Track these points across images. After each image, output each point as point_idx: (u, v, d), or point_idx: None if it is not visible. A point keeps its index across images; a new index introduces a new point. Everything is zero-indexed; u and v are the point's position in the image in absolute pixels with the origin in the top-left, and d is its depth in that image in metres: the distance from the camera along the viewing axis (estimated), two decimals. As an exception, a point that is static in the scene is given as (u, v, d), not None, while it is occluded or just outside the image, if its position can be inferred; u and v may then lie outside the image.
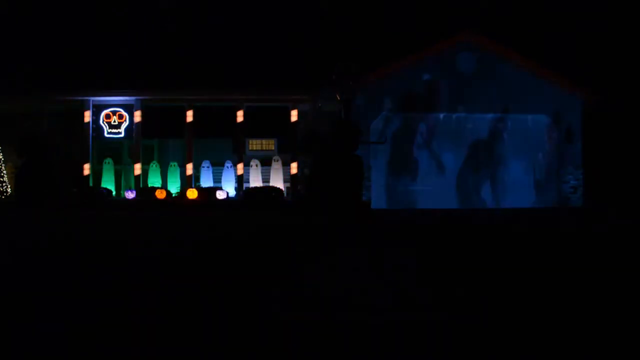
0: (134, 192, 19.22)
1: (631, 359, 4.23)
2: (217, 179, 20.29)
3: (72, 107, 19.83)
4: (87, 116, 19.74)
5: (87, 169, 19.70)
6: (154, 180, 20.03)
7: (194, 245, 9.91)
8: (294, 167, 19.91)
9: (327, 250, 9.26)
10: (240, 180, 19.89)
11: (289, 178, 20.11)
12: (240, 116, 19.87)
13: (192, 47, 21.49)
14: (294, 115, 19.98)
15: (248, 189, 19.29)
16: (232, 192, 19.85)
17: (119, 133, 19.95)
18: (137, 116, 19.85)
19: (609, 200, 18.51)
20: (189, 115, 19.88)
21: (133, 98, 19.80)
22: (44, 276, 7.15)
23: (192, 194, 18.98)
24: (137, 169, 19.93)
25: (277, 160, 20.22)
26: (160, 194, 18.99)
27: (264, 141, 21.42)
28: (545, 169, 19.38)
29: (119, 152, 21.00)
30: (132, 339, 4.58)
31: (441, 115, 19.20)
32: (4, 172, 19.41)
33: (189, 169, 19.82)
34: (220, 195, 19.01)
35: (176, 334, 4.68)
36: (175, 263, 8.11)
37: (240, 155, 20.00)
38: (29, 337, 4.61)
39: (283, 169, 20.13)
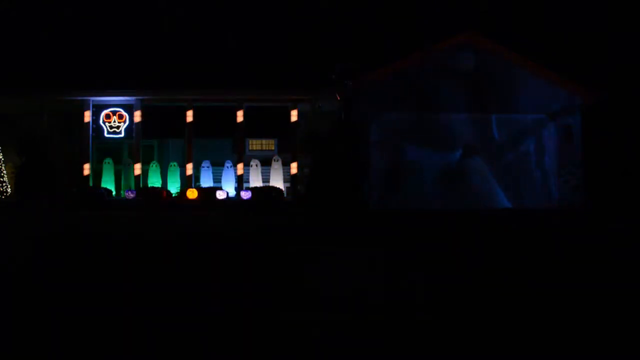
0: (134, 192, 19.20)
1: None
2: (217, 179, 20.28)
3: (72, 107, 19.81)
4: (87, 116, 19.72)
5: (87, 169, 19.68)
6: (154, 180, 20.01)
7: (193, 246, 9.90)
8: (293, 167, 19.89)
9: (326, 249, 9.24)
10: (240, 180, 19.87)
11: (289, 178, 20.09)
12: (240, 116, 19.85)
13: (192, 47, 21.50)
14: (294, 115, 19.96)
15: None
16: (232, 192, 19.84)
17: (119, 133, 19.95)
18: (137, 116, 19.83)
19: (609, 200, 18.48)
20: (189, 115, 19.86)
21: (133, 98, 19.78)
22: (44, 276, 7.15)
23: (192, 194, 18.97)
24: (137, 168, 19.91)
25: (277, 160, 20.20)
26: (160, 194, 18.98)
27: (264, 141, 21.42)
28: (545, 169, 19.35)
29: (119, 152, 20.99)
30: (132, 339, 4.57)
31: (441, 115, 19.16)
32: (4, 172, 19.40)
33: (189, 168, 19.79)
34: (220, 195, 18.99)
35: (177, 334, 4.68)
36: (172, 264, 8.11)
37: (240, 155, 19.97)
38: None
39: (283, 169, 20.11)
